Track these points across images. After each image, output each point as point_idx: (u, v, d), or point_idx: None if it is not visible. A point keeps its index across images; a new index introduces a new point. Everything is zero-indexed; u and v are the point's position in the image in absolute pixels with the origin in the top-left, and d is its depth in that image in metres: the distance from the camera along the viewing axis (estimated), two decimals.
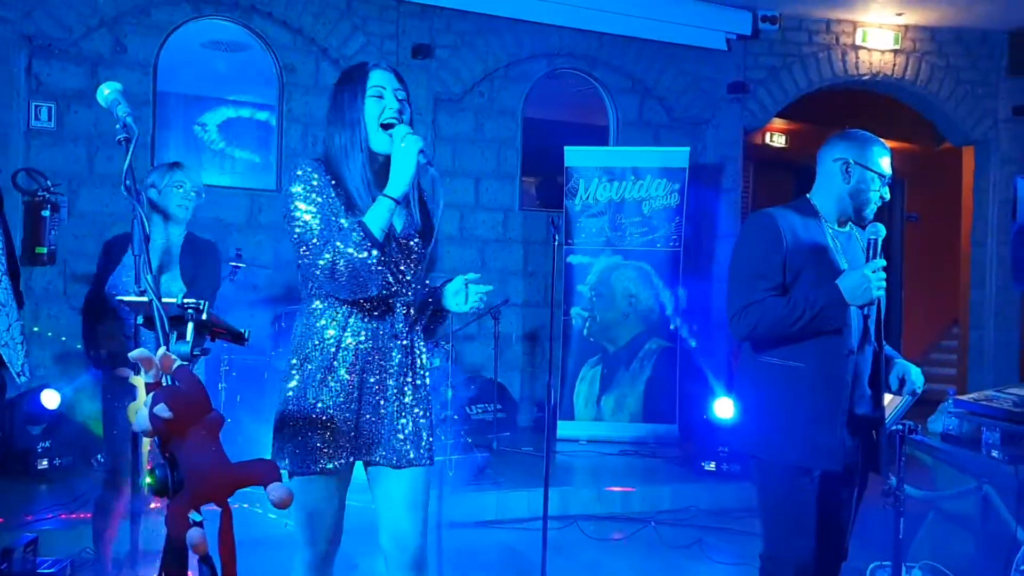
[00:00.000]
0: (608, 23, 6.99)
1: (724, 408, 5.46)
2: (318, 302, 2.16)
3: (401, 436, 2.19)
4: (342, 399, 2.12)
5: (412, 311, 2.23)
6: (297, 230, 2.06)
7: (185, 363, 1.44)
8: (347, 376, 2.13)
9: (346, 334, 2.14)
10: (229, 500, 1.33)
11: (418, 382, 2.24)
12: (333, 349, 2.13)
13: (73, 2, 5.69)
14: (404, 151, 2.07)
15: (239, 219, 6.27)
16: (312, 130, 6.46)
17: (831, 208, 2.61)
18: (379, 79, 2.16)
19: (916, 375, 2.61)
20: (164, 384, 1.37)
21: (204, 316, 1.61)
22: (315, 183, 2.09)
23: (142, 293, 1.52)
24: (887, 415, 2.97)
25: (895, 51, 7.76)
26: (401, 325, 2.19)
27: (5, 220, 2.65)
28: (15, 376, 2.59)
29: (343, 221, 2.06)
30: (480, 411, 6.30)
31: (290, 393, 2.14)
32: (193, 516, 1.28)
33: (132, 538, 3.26)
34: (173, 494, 1.29)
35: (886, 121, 8.94)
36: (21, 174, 5.43)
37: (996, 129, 8.01)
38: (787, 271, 2.50)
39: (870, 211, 2.59)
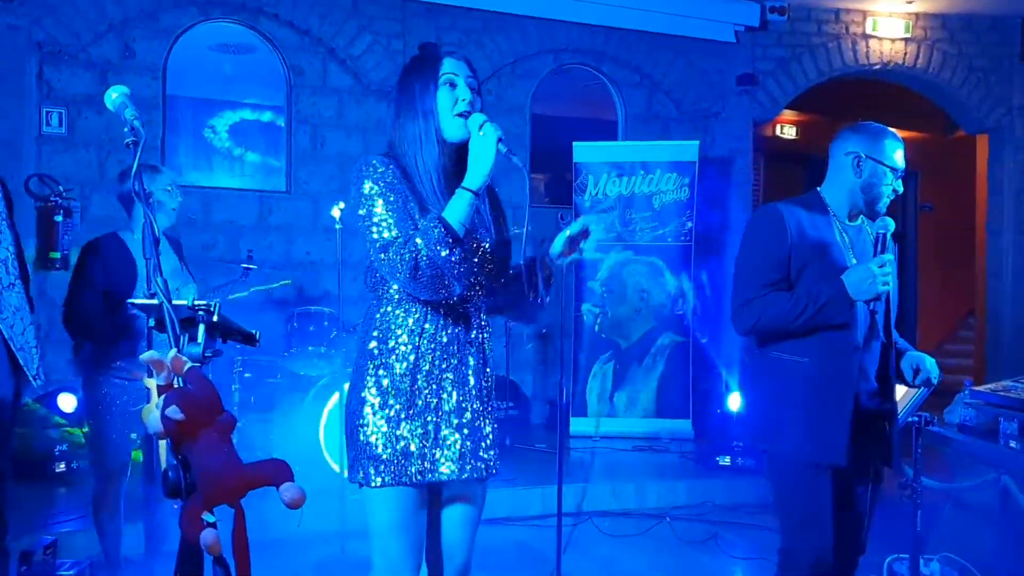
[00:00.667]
0: (615, 17, 6.97)
1: (738, 402, 5.44)
2: (390, 306, 2.07)
3: (478, 446, 2.11)
4: (426, 405, 2.05)
5: (484, 315, 2.15)
6: (375, 230, 1.96)
7: (197, 365, 1.44)
8: (427, 382, 2.05)
9: (423, 340, 2.05)
10: (242, 501, 1.33)
11: (489, 388, 2.17)
12: (413, 356, 2.04)
13: (82, 8, 5.72)
14: (483, 140, 1.97)
15: (250, 221, 6.29)
16: (321, 131, 6.47)
17: (842, 202, 2.58)
18: (451, 67, 2.06)
19: (931, 365, 2.58)
20: (176, 386, 1.38)
21: (215, 318, 1.61)
22: (388, 179, 1.99)
23: (152, 295, 1.52)
24: (902, 407, 2.96)
25: (906, 39, 7.70)
26: (476, 332, 2.12)
27: (15, 226, 2.67)
28: (31, 379, 2.61)
29: (420, 219, 1.97)
30: (493, 408, 6.29)
31: (372, 400, 2.04)
32: (207, 517, 1.28)
33: (147, 539, 3.29)
34: (186, 496, 1.29)
35: (898, 111, 8.88)
36: (33, 180, 5.44)
37: (1010, 116, 7.94)
38: (792, 266, 2.49)
39: (882, 205, 2.56)
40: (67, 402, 4.88)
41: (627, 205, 6.54)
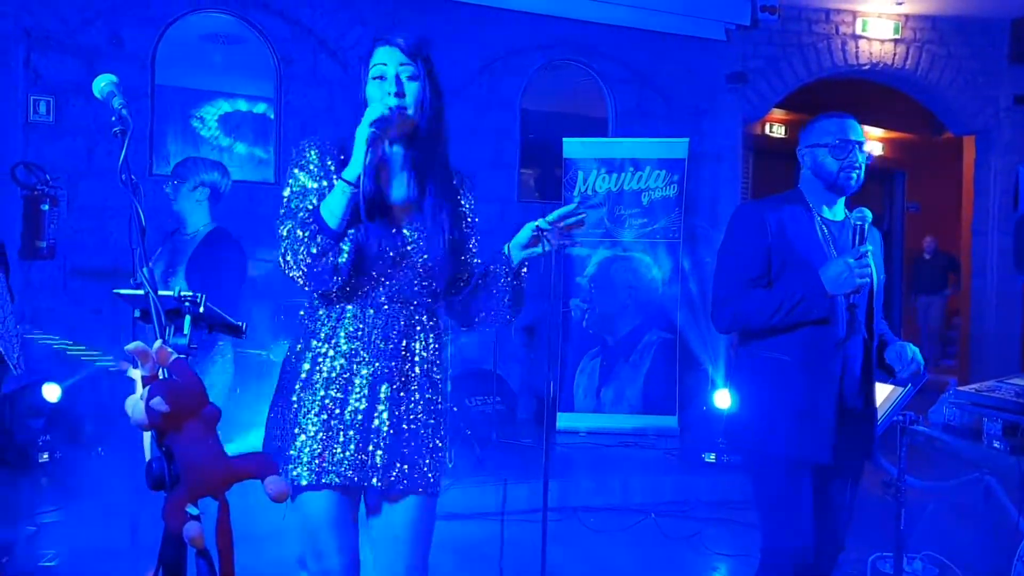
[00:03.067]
0: (606, 13, 6.96)
1: (724, 399, 5.46)
2: (316, 301, 2.02)
3: (414, 456, 1.98)
4: (352, 409, 1.95)
5: (428, 320, 2.04)
6: (281, 211, 1.95)
7: (182, 356, 1.43)
8: (351, 385, 1.95)
9: (348, 341, 1.96)
10: (226, 494, 1.33)
11: (432, 400, 2.03)
12: (335, 358, 1.96)
13: None
14: (360, 131, 1.88)
15: (237, 212, 6.25)
16: (311, 123, 6.44)
17: (817, 195, 2.60)
18: (381, 57, 1.95)
19: (914, 353, 2.58)
20: (161, 377, 1.36)
21: (201, 309, 1.60)
22: (307, 165, 1.96)
23: (138, 286, 1.51)
24: (888, 406, 2.97)
25: (895, 40, 7.73)
26: (415, 337, 2.00)
27: None
28: (12, 368, 2.59)
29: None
30: (479, 403, 6.30)
31: (295, 398, 1.98)
32: (190, 509, 1.27)
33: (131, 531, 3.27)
34: (170, 487, 1.28)
35: (887, 111, 8.94)
36: (20, 168, 5.40)
37: (997, 118, 7.99)
38: (772, 263, 2.50)
39: (846, 182, 2.53)
40: (51, 392, 4.84)
41: (616, 201, 6.54)
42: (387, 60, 1.95)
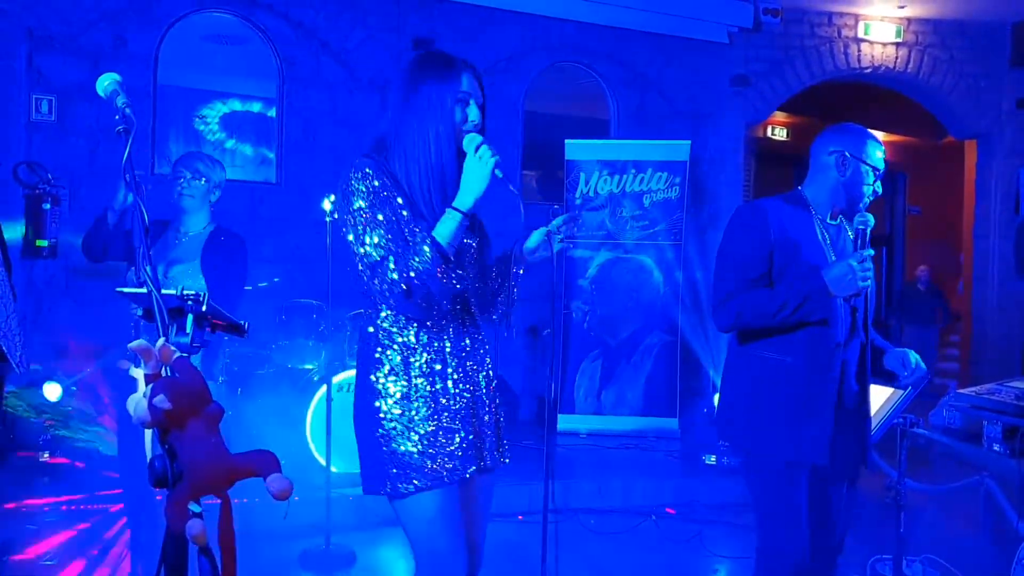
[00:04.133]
0: (609, 16, 6.97)
1: None
2: (387, 312, 2.05)
3: (496, 439, 2.18)
4: (442, 408, 2.05)
5: (478, 318, 2.20)
6: (363, 250, 1.94)
7: (185, 355, 1.44)
8: (441, 386, 2.06)
9: (426, 347, 2.05)
10: (229, 492, 1.33)
11: (494, 385, 2.21)
12: (419, 362, 2.04)
13: None
14: (479, 164, 1.96)
15: (240, 212, 6.26)
16: (313, 124, 6.45)
17: (823, 201, 2.60)
18: (468, 86, 2.07)
19: (917, 360, 2.59)
20: (164, 375, 1.37)
21: (204, 308, 1.60)
22: (380, 193, 1.96)
23: (141, 284, 1.52)
24: (888, 409, 2.97)
25: (897, 44, 7.74)
26: (475, 334, 2.16)
27: None
28: (14, 367, 2.60)
29: (409, 236, 1.96)
30: None
31: (386, 408, 2.02)
32: (193, 507, 1.28)
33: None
34: (173, 485, 1.29)
35: (888, 114, 8.93)
36: (22, 167, 5.41)
37: (999, 122, 8.00)
38: (773, 263, 2.49)
39: (863, 205, 2.57)
40: (52, 391, 4.85)
41: (618, 203, 6.54)
42: (471, 90, 2.09)
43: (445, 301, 2.04)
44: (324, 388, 4.58)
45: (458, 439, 2.06)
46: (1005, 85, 7.96)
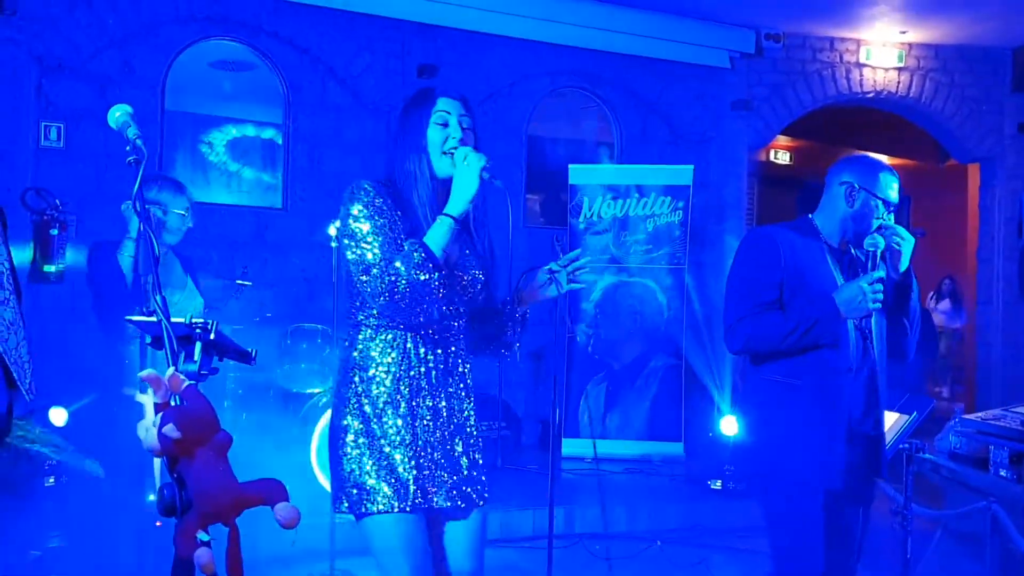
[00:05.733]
0: (611, 42, 7.03)
1: (729, 426, 5.44)
2: (370, 331, 2.10)
3: (465, 476, 2.14)
4: (410, 434, 2.06)
5: (464, 345, 2.20)
6: (357, 251, 2.01)
7: (193, 383, 1.45)
8: (408, 411, 2.07)
9: (403, 368, 2.08)
10: (236, 520, 1.34)
11: (471, 416, 2.19)
12: (393, 385, 2.07)
13: (82, 22, 5.75)
14: (466, 169, 2.04)
15: (245, 237, 6.29)
16: (319, 149, 6.49)
17: (833, 230, 2.61)
18: (444, 105, 2.13)
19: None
20: (173, 404, 1.38)
21: (212, 336, 1.61)
22: (377, 203, 2.05)
23: (151, 313, 1.53)
24: (894, 433, 2.97)
25: (899, 68, 7.78)
26: (456, 361, 2.16)
27: (8, 242, 2.67)
28: (24, 393, 2.60)
29: (404, 243, 2.01)
30: (484, 428, 6.29)
31: (355, 427, 2.06)
32: (201, 536, 1.28)
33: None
34: (181, 514, 1.29)
35: (890, 138, 8.96)
36: (30, 193, 5.46)
37: (1001, 146, 8.02)
38: (784, 289, 2.51)
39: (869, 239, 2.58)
40: (58, 417, 4.85)
41: (621, 227, 6.57)
42: (450, 109, 2.13)
43: (434, 309, 2.04)
44: (329, 413, 4.58)
45: (417, 469, 2.05)
46: (1007, 109, 7.99)
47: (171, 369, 1.39)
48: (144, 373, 1.37)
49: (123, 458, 3.28)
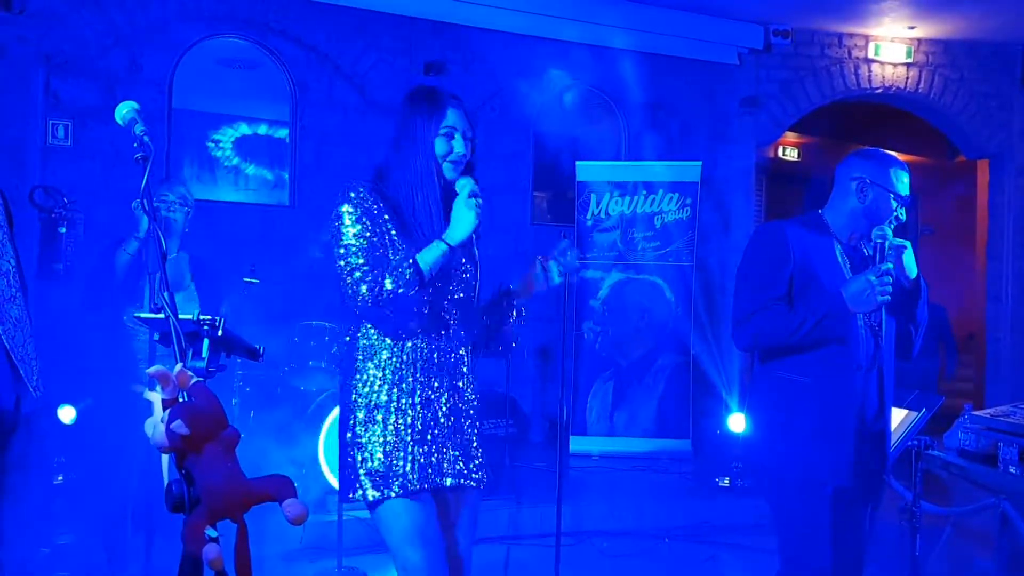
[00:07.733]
0: (619, 38, 7.01)
1: (738, 423, 5.43)
2: (371, 324, 2.18)
3: (468, 458, 2.22)
4: (414, 420, 2.14)
5: (464, 341, 2.26)
6: (343, 252, 2.09)
7: (201, 379, 1.45)
8: (410, 400, 2.14)
9: (403, 360, 2.15)
10: (245, 516, 1.33)
11: (472, 406, 2.27)
12: (395, 375, 2.15)
13: (90, 21, 5.76)
14: (466, 211, 2.11)
15: (253, 235, 6.30)
16: (326, 147, 6.49)
17: (843, 225, 2.60)
18: (453, 120, 2.21)
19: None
20: (181, 400, 1.38)
21: (220, 332, 1.62)
22: (367, 206, 2.13)
23: (159, 310, 1.53)
24: (903, 430, 2.96)
25: (908, 64, 7.74)
26: (454, 355, 2.22)
27: (14, 240, 2.67)
28: (31, 391, 2.61)
29: (392, 255, 2.09)
30: (492, 426, 6.29)
31: (361, 416, 2.14)
32: (209, 532, 1.28)
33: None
34: (189, 510, 1.29)
35: (899, 134, 8.92)
36: (38, 191, 5.47)
37: (1011, 142, 7.97)
38: (793, 284, 2.50)
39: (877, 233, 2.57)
40: (67, 414, 4.86)
41: (629, 224, 6.55)
42: (457, 125, 2.22)
43: (417, 320, 2.12)
44: (337, 410, 4.59)
45: (419, 453, 2.13)
46: (1016, 105, 7.94)
47: (179, 365, 1.39)
48: (152, 369, 1.37)
49: (130, 454, 3.28)
